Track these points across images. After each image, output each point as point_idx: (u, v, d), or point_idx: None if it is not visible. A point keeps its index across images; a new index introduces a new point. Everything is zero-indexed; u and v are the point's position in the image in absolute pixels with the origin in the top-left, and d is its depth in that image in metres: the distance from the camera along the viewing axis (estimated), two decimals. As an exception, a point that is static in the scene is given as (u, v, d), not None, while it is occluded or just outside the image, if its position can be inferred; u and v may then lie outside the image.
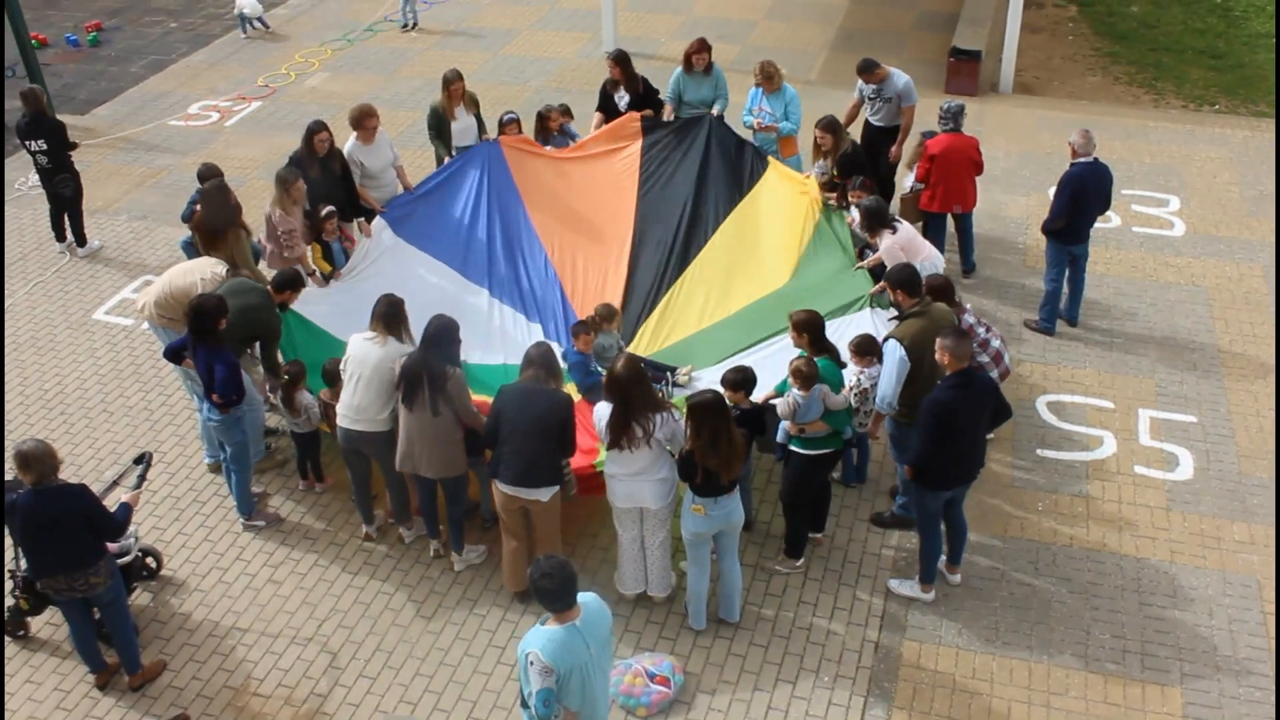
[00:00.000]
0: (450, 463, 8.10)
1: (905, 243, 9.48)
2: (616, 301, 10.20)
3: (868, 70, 11.82)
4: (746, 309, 9.93)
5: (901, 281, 8.27)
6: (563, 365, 8.66)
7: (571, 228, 10.76)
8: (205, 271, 9.35)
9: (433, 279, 10.30)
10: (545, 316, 10.28)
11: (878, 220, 9.59)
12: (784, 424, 8.02)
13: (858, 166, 10.62)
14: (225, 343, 8.41)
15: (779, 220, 10.40)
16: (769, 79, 11.54)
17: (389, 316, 8.15)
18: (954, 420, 7.45)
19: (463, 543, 8.60)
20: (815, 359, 7.88)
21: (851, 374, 8.23)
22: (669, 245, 10.50)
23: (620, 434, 7.39)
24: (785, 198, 10.54)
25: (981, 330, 8.88)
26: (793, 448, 8.09)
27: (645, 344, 9.91)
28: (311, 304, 9.62)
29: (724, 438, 7.22)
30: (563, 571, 5.72)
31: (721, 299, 10.10)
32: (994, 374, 8.82)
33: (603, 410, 7.52)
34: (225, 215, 9.86)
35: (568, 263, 10.61)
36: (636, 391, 7.37)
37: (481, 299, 10.33)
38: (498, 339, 10.03)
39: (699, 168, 10.82)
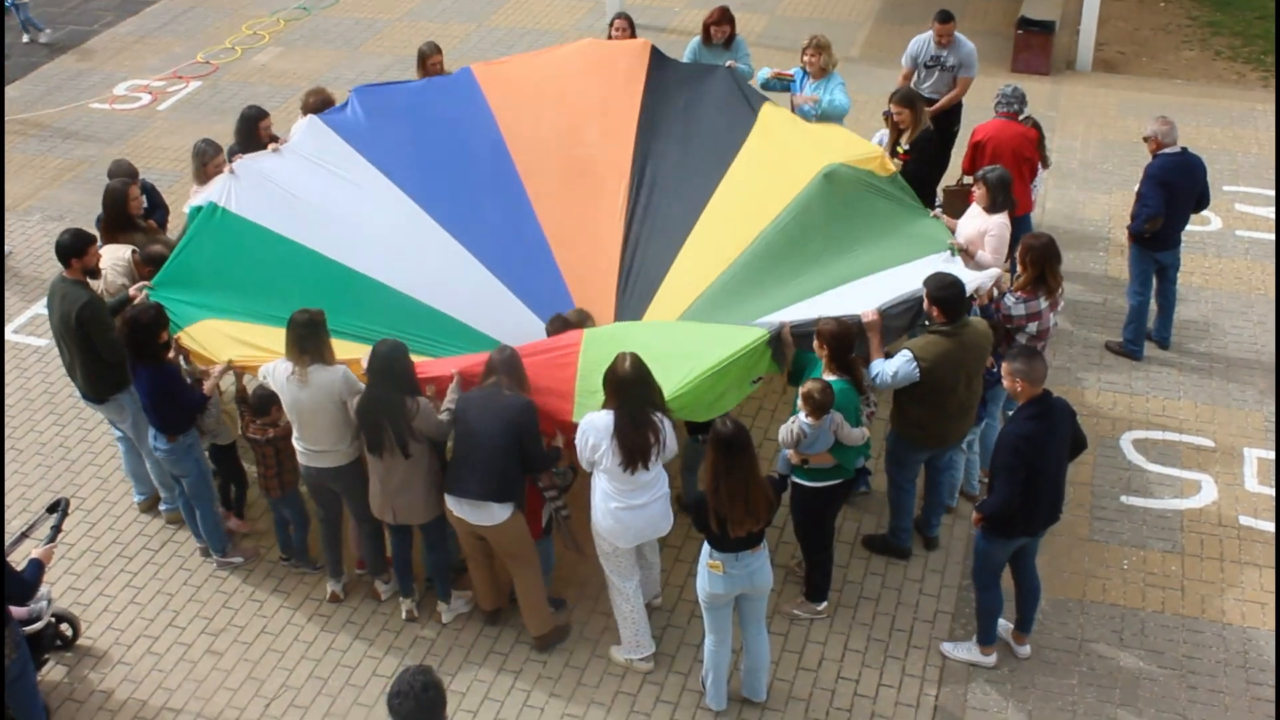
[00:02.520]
0: (431, 505, 8.24)
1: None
2: (614, 268, 10.27)
3: (946, 20, 11.99)
4: (777, 235, 9.79)
5: (945, 300, 8.29)
6: None
7: (560, 177, 10.67)
8: (117, 261, 9.57)
9: (393, 213, 10.24)
10: (529, 285, 10.19)
11: (1005, 195, 9.71)
12: (785, 452, 8.10)
13: (934, 150, 10.72)
14: (167, 361, 8.57)
15: (803, 148, 10.33)
16: (819, 52, 11.50)
17: (306, 338, 8.10)
18: (1039, 455, 7.55)
19: (450, 590, 8.73)
20: (831, 380, 7.95)
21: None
22: (674, 194, 10.45)
23: (630, 449, 7.54)
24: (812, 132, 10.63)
25: (1052, 317, 9.12)
26: (795, 479, 8.18)
27: (665, 309, 9.84)
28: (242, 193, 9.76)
29: (738, 481, 7.26)
30: (424, 695, 5.63)
31: (743, 235, 9.92)
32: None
33: (597, 421, 7.61)
34: (119, 222, 9.94)
35: (555, 218, 10.54)
36: (644, 393, 7.57)
37: (452, 250, 10.23)
38: (469, 302, 9.93)
39: (706, 114, 10.83)
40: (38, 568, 7.50)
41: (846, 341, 8.03)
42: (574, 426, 7.85)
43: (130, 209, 10.00)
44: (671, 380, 7.90)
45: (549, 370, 8.19)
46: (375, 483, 8.22)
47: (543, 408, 7.98)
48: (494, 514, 7.91)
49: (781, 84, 11.87)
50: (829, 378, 8.01)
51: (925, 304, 8.34)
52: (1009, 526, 7.80)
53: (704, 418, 8.01)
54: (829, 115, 11.37)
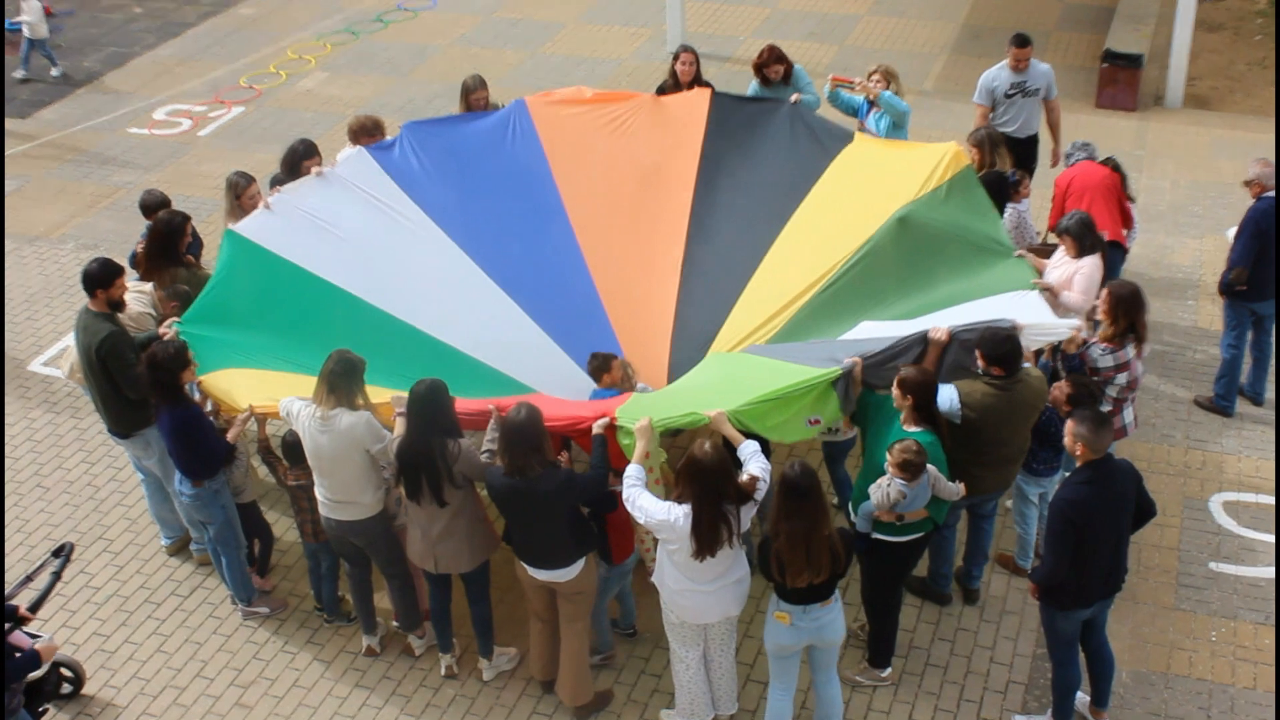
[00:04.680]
0: (476, 552, 8.27)
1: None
2: (668, 320, 10.30)
3: (1024, 44, 12.08)
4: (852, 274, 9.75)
5: (1001, 357, 8.20)
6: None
7: (614, 224, 10.76)
8: (141, 293, 9.68)
9: (437, 257, 10.30)
10: (576, 337, 10.21)
11: (1091, 237, 9.70)
12: (868, 507, 8.00)
13: (997, 195, 10.70)
14: (192, 403, 8.63)
15: (880, 176, 10.31)
16: (892, 80, 11.62)
17: (339, 377, 8.11)
18: (1090, 523, 7.46)
19: (492, 646, 8.72)
20: (915, 433, 7.88)
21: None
22: (734, 245, 10.45)
23: (704, 541, 7.40)
24: (886, 158, 10.60)
25: (1140, 367, 9.06)
26: (878, 536, 8.10)
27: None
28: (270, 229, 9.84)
29: (798, 527, 7.23)
30: None
31: (813, 276, 9.90)
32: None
33: (675, 521, 7.45)
34: (168, 254, 10.01)
35: (607, 267, 10.59)
36: (723, 486, 7.41)
37: (496, 299, 10.28)
38: (511, 353, 9.98)
39: (771, 158, 10.83)
40: (34, 660, 7.48)
41: (931, 389, 7.97)
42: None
43: (182, 244, 10.09)
44: (735, 399, 7.89)
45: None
46: (416, 530, 8.23)
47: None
48: (568, 571, 7.98)
49: (846, 91, 11.92)
50: (910, 429, 7.91)
51: (982, 365, 8.27)
52: (1061, 597, 7.72)
53: (768, 436, 7.98)
54: (896, 123, 11.53)
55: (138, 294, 9.69)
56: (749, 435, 7.87)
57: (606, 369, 9.08)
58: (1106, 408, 8.96)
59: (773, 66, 12.09)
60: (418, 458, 7.89)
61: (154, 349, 8.58)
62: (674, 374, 9.89)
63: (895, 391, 7.96)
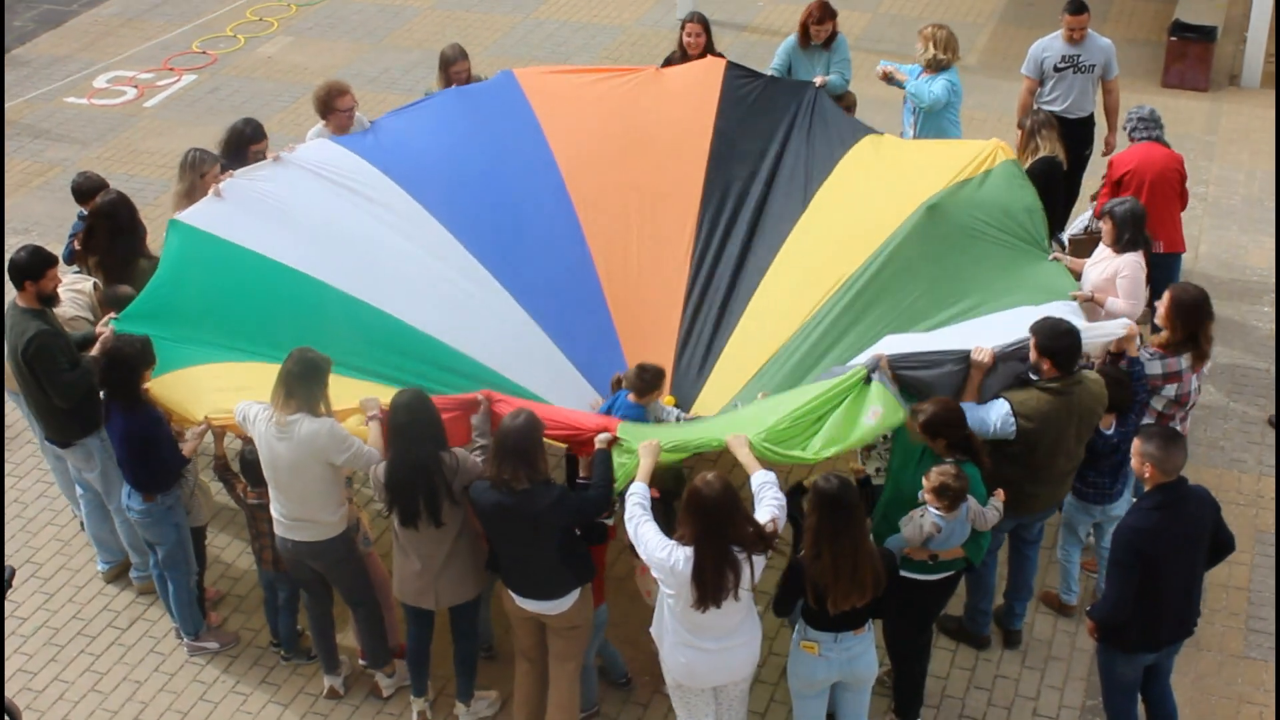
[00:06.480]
0: (478, 578, 8.29)
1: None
2: (673, 322, 10.34)
3: (1079, 11, 12.07)
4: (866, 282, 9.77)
5: (1057, 351, 8.23)
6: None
7: (619, 207, 10.80)
8: (78, 295, 9.68)
9: (416, 239, 10.30)
10: (574, 334, 10.29)
11: (1135, 232, 9.73)
12: (896, 541, 7.97)
13: (1053, 182, 10.71)
14: (149, 405, 8.64)
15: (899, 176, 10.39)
16: (938, 48, 11.72)
17: (298, 379, 8.05)
18: (1160, 554, 7.49)
19: (472, 689, 8.72)
20: (959, 461, 7.90)
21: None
22: (745, 245, 10.53)
23: (707, 587, 7.30)
24: (913, 152, 10.75)
25: (1195, 382, 9.11)
26: (904, 574, 8.10)
27: (734, 380, 9.87)
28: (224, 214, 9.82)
29: (845, 546, 7.25)
30: None
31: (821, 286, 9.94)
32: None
33: (653, 542, 7.43)
34: (128, 240, 10.05)
35: (613, 257, 10.64)
36: (729, 524, 7.31)
37: (487, 288, 10.32)
38: (501, 346, 10.00)
39: (790, 146, 10.90)
40: None
41: (955, 418, 7.96)
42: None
43: (138, 225, 10.08)
44: (756, 425, 7.92)
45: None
46: (411, 563, 8.16)
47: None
48: (560, 604, 7.98)
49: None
50: (946, 459, 7.93)
51: (1034, 356, 8.29)
52: (1125, 637, 7.73)
53: (790, 459, 7.96)
54: (932, 111, 11.73)
55: (74, 294, 9.67)
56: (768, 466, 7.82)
57: (657, 386, 8.88)
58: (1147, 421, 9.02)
59: (824, 23, 12.19)
60: (412, 477, 7.85)
61: (116, 344, 8.57)
62: (676, 386, 9.92)
63: (923, 437, 7.94)
